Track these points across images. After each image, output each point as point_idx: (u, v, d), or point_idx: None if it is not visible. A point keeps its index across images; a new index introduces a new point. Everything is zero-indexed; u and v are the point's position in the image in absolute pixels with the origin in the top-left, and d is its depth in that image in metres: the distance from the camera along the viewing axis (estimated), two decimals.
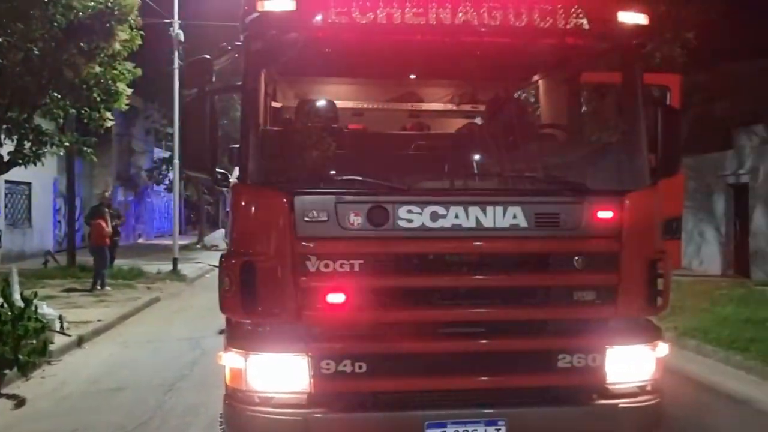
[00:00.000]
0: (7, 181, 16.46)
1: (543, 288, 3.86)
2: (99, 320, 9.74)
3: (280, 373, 3.62)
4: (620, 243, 3.78)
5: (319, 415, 3.59)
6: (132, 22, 9.26)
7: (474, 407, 3.70)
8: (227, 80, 4.62)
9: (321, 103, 4.68)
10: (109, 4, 8.70)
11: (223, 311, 3.77)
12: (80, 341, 8.61)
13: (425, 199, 3.65)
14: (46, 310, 8.19)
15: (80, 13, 8.38)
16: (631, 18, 3.85)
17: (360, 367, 3.63)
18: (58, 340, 8.14)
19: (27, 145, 8.91)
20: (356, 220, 3.58)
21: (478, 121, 5.62)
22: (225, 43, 4.42)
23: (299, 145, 3.98)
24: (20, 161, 8.81)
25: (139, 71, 9.90)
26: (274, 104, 5.53)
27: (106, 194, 15.14)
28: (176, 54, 17.03)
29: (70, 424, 5.57)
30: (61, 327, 8.36)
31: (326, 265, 3.58)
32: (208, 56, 3.99)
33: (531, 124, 4.69)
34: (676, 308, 9.73)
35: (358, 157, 4.05)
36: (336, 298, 3.62)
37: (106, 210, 13.68)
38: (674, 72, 9.36)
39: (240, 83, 3.85)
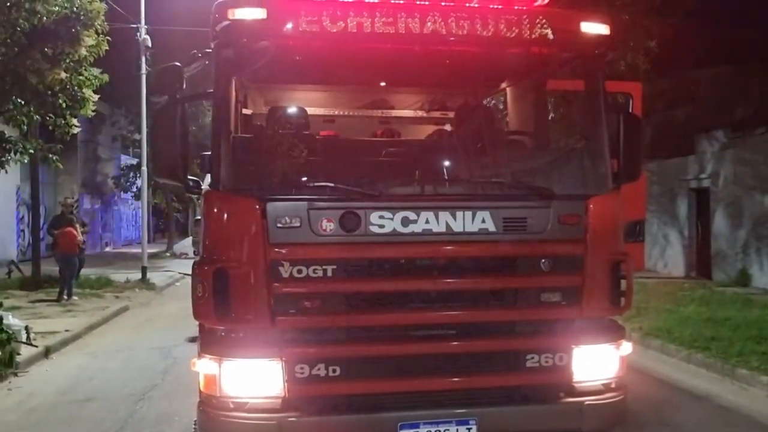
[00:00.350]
0: None
1: (511, 290, 3.96)
2: (66, 330, 9.56)
3: (254, 379, 3.65)
4: (584, 246, 3.92)
5: (293, 419, 3.63)
6: (98, 27, 9.15)
7: (446, 407, 3.79)
8: (198, 87, 4.61)
9: (292, 109, 4.72)
10: (75, 9, 8.60)
11: (197, 318, 3.78)
12: (47, 352, 8.44)
13: (396, 204, 3.72)
14: (11, 320, 8.02)
15: (45, 18, 8.25)
16: (594, 28, 4.01)
17: (334, 371, 3.69)
18: (25, 351, 7.98)
19: None
20: (329, 225, 3.63)
21: (447, 127, 5.74)
22: (195, 51, 4.42)
23: (271, 151, 4.02)
24: None
25: (105, 77, 9.79)
26: (246, 111, 5.55)
27: (68, 200, 14.80)
28: (143, 60, 16.83)
29: None
30: (28, 338, 8.18)
31: (299, 271, 3.62)
32: (178, 63, 4.00)
33: (499, 131, 4.82)
34: (642, 309, 9.98)
35: (330, 164, 4.10)
36: (309, 303, 3.67)
37: (73, 217, 13.44)
38: (637, 79, 9.68)
39: (211, 91, 3.88)
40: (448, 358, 3.85)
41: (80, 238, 13.03)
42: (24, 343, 8.04)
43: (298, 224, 3.60)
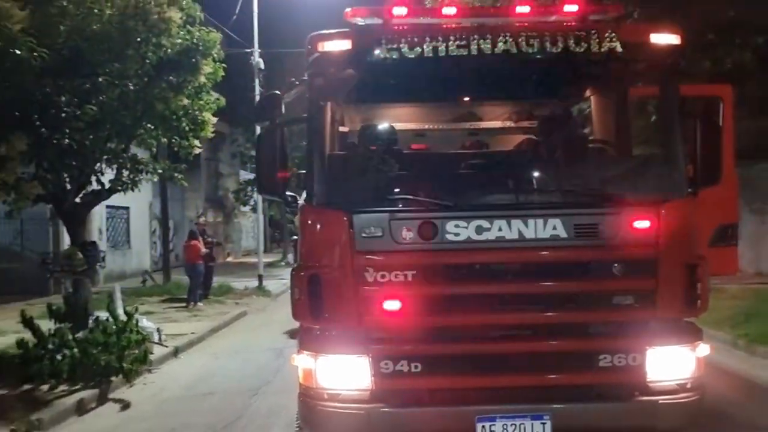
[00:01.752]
0: (108, 206, 17.92)
1: (583, 293, 4.07)
2: (192, 333, 10.56)
3: (344, 373, 3.99)
4: (657, 250, 3.95)
5: (379, 409, 3.93)
6: (215, 55, 9.99)
7: (521, 403, 3.93)
8: (298, 111, 5.10)
9: (380, 127, 5.06)
10: (195, 40, 9.45)
11: (295, 318, 4.21)
12: (176, 352, 9.40)
13: (470, 214, 3.96)
14: (145, 323, 9.02)
15: (169, 51, 9.10)
16: (664, 39, 4.07)
17: (416, 367, 3.96)
18: (157, 351, 8.94)
19: (125, 173, 9.77)
20: (408, 234, 3.93)
21: (532, 137, 5.88)
22: (293, 79, 4.91)
23: (358, 168, 4.40)
24: (119, 188, 9.70)
25: (222, 101, 10.67)
26: (342, 129, 6.00)
27: (201, 220, 16.29)
28: (256, 81, 18.07)
29: (169, 424, 6.19)
30: (160, 339, 9.16)
31: (383, 276, 3.94)
32: (277, 92, 4.49)
33: (576, 140, 4.89)
34: (750, 315, 9.41)
35: (411, 177, 4.38)
36: (392, 305, 3.97)
37: (199, 235, 14.75)
38: (744, 77, 9.18)
39: (305, 115, 4.33)
40: (523, 356, 4.00)
41: (203, 250, 14.23)
42: (156, 343, 9.01)
43: (380, 234, 3.92)
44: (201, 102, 10.29)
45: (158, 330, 9.23)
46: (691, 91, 4.45)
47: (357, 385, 3.98)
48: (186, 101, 9.47)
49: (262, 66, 17.93)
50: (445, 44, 3.99)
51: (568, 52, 4.00)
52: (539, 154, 4.73)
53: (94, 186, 9.60)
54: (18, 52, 6.25)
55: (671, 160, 4.18)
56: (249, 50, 18.00)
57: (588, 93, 5.34)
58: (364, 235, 3.92)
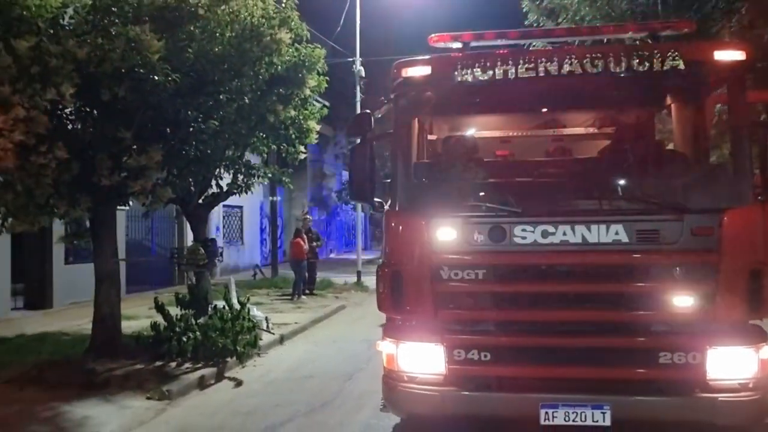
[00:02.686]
0: (224, 206, 19.50)
1: (643, 294, 4.39)
2: (296, 323, 11.55)
3: (422, 358, 4.56)
4: (718, 256, 4.19)
5: (452, 392, 4.47)
6: (319, 69, 10.87)
7: (582, 393, 4.31)
8: (387, 126, 5.70)
9: (456, 139, 5.57)
10: (302, 57, 10.36)
11: (379, 309, 4.85)
12: (282, 339, 10.37)
13: (536, 219, 4.40)
14: (255, 312, 10.04)
15: (279, 67, 10.07)
16: (729, 55, 4.30)
17: (485, 356, 4.47)
18: (265, 338, 9.92)
19: (240, 177, 10.90)
20: (479, 237, 4.44)
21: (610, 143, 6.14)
22: (383, 98, 5.55)
23: (435, 176, 4.97)
24: (235, 191, 10.82)
25: (325, 110, 11.56)
26: (430, 137, 6.56)
27: (307, 217, 17.45)
28: (358, 88, 19.01)
29: (274, 400, 7.02)
30: (267, 327, 10.15)
31: (456, 274, 4.47)
32: (368, 111, 5.15)
33: (642, 149, 5.17)
34: None
35: (484, 184, 4.88)
36: (464, 300, 4.52)
37: (303, 232, 15.86)
38: None
39: (391, 132, 4.95)
40: (585, 351, 4.38)
41: (306, 247, 15.30)
42: (265, 330, 10.01)
43: (454, 236, 4.48)
44: (306, 112, 11.22)
45: (266, 319, 10.24)
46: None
47: (432, 369, 4.54)
48: (293, 112, 10.40)
49: (363, 74, 18.84)
50: (514, 68, 4.46)
51: (632, 71, 4.34)
52: (608, 162, 5.06)
53: (214, 189, 10.78)
54: (156, 78, 7.31)
55: (735, 168, 4.39)
56: (351, 59, 18.97)
57: (659, 105, 5.57)
58: (439, 237, 4.48)
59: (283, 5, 10.19)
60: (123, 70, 7.31)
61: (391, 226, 4.80)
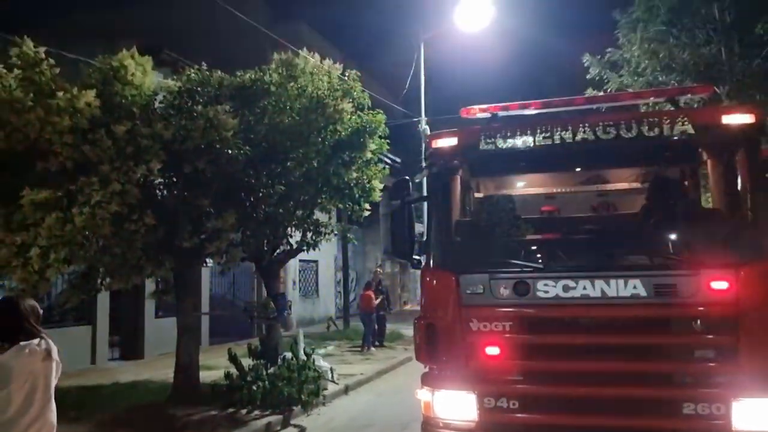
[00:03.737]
0: (300, 260, 20.50)
1: (664, 346, 4.61)
2: (361, 374, 12.01)
3: (456, 405, 4.94)
4: (737, 309, 4.38)
5: None
6: (380, 133, 11.61)
7: None
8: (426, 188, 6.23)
9: (485, 198, 6.01)
10: (363, 123, 11.17)
11: (417, 358, 5.30)
12: (346, 389, 10.85)
13: (558, 274, 4.77)
14: (321, 363, 10.61)
15: (342, 134, 10.89)
16: (737, 119, 4.60)
17: (513, 404, 4.79)
18: (331, 387, 10.44)
19: (309, 235, 11.70)
20: (505, 291, 4.85)
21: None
22: (422, 164, 6.12)
23: (466, 234, 5.43)
24: (304, 248, 11.60)
25: (387, 170, 12.25)
26: (477, 195, 6.99)
27: (378, 270, 18.11)
28: (423, 146, 19.77)
29: None
30: (332, 377, 10.68)
31: (484, 326, 4.88)
32: (407, 177, 5.73)
33: (665, 205, 5.42)
34: None
35: (509, 243, 5.29)
36: (493, 350, 4.89)
37: (374, 285, 16.49)
38: None
39: (426, 195, 5.49)
40: (609, 400, 4.62)
41: (374, 301, 15.87)
42: (330, 381, 10.54)
43: (481, 291, 4.89)
44: (369, 172, 11.95)
45: (331, 369, 10.78)
46: None
47: (465, 416, 4.91)
48: (355, 175, 11.16)
49: (429, 132, 19.62)
50: (532, 138, 4.93)
51: (643, 137, 4.72)
52: (628, 219, 5.36)
53: (285, 246, 11.61)
54: (230, 151, 8.26)
55: (753, 224, 4.61)
56: (416, 119, 19.86)
57: (678, 164, 5.84)
58: (468, 291, 4.91)
59: (347, 77, 11.12)
60: (203, 146, 8.31)
61: (425, 281, 5.29)
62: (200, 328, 9.70)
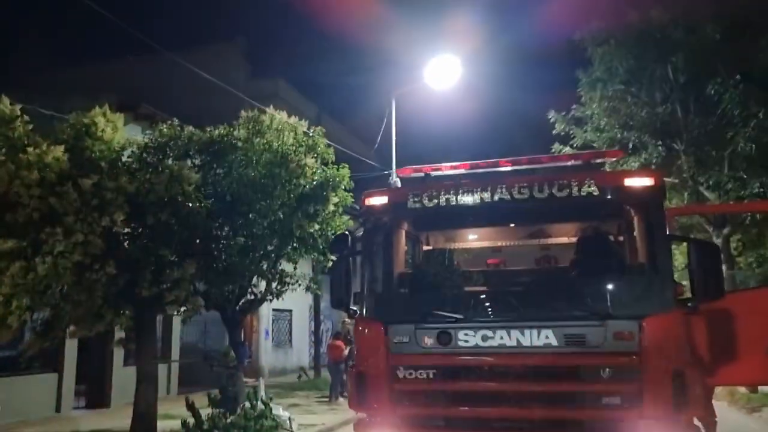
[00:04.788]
0: (274, 309, 20.63)
1: (572, 393, 4.95)
2: (323, 424, 12.11)
3: None
4: (640, 358, 4.75)
5: None
6: (344, 186, 12.03)
7: None
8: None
9: (424, 253, 6.43)
10: (327, 177, 11.60)
11: (350, 406, 5.59)
12: None
13: (477, 325, 5.13)
14: (281, 413, 10.74)
15: (306, 186, 11.28)
16: (638, 182, 5.07)
17: None
18: None
19: (274, 285, 11.96)
20: (429, 341, 5.20)
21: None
22: (361, 220, 6.54)
23: (393, 289, 5.79)
24: (268, 298, 11.86)
25: (351, 223, 12.67)
26: (426, 247, 7.35)
27: (346, 320, 18.27)
28: None
29: None
30: (290, 427, 10.80)
31: (410, 373, 5.21)
32: (347, 232, 6.13)
33: (579, 262, 5.86)
34: None
35: (433, 294, 5.68)
36: (418, 397, 5.21)
37: (343, 335, 16.67)
38: None
39: (359, 250, 5.87)
40: None
41: (344, 352, 16.00)
42: (287, 430, 10.65)
43: (407, 340, 5.24)
44: (333, 224, 12.32)
45: (290, 419, 10.90)
46: (751, 207, 5.25)
47: None
48: (318, 226, 11.52)
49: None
50: (455, 197, 5.37)
51: (554, 198, 5.17)
52: (546, 273, 5.77)
53: (249, 296, 11.85)
54: (190, 204, 8.65)
55: (656, 279, 5.03)
56: (387, 172, 20.42)
57: (587, 223, 6.33)
58: (395, 341, 5.26)
59: (312, 133, 11.63)
60: (166, 199, 8.69)
61: (357, 331, 5.63)
62: (157, 376, 9.85)
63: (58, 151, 8.32)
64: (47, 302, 8.13)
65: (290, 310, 22.92)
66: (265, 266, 11.63)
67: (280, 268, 12.27)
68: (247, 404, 10.07)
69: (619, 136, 16.27)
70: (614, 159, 5.67)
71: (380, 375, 5.28)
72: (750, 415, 13.23)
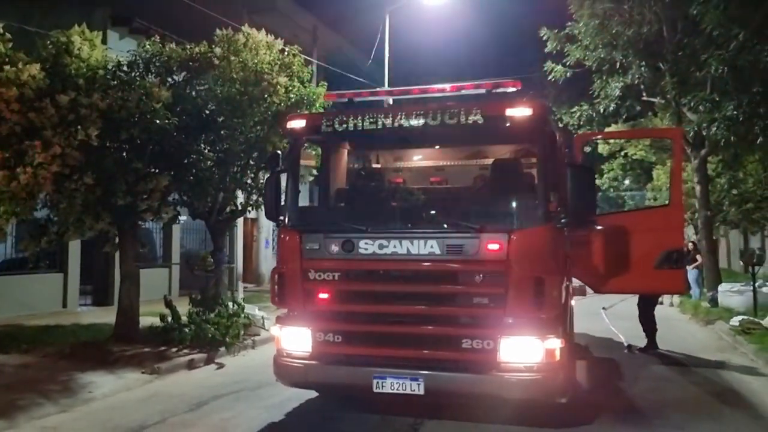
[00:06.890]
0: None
1: (450, 294, 5.72)
2: None
3: (296, 339, 6.12)
4: (506, 266, 5.47)
5: (313, 365, 6.00)
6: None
7: (404, 368, 5.70)
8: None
9: (334, 171, 7.10)
10: (302, 96, 12.07)
11: (271, 302, 6.45)
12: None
13: (375, 235, 5.85)
14: (256, 312, 11.83)
15: (280, 104, 11.74)
16: (518, 111, 5.59)
17: (337, 338, 5.96)
18: (264, 335, 11.66)
19: (254, 198, 12.74)
20: (335, 248, 5.96)
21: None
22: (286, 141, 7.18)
23: (311, 204, 6.53)
24: (248, 209, 12.67)
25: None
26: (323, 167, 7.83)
27: None
28: None
29: (238, 379, 8.70)
30: (263, 325, 11.91)
31: (319, 276, 6.01)
32: (278, 152, 6.79)
33: (470, 181, 6.49)
34: None
35: (343, 209, 6.40)
36: (324, 295, 6.03)
37: None
38: None
39: (284, 167, 6.53)
40: (409, 336, 5.78)
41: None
42: (261, 327, 11.77)
43: (317, 247, 6.00)
44: None
45: (263, 317, 11.99)
46: (648, 133, 5.82)
47: (303, 347, 6.09)
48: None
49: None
50: (362, 121, 5.96)
51: (444, 124, 5.73)
52: (440, 190, 6.47)
53: (232, 207, 12.68)
54: (158, 121, 9.32)
55: (528, 198, 5.70)
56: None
57: (480, 146, 6.93)
58: (308, 247, 6.02)
59: (287, 52, 12.00)
60: (137, 116, 9.35)
61: (280, 238, 6.41)
62: (138, 276, 10.81)
63: (34, 68, 8.92)
64: (30, 208, 9.02)
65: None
66: (245, 180, 12.33)
67: (259, 180, 12.99)
68: (230, 305, 11.14)
69: (603, 55, 16.24)
70: (514, 89, 6.09)
71: (295, 276, 6.08)
72: (705, 327, 14.04)
